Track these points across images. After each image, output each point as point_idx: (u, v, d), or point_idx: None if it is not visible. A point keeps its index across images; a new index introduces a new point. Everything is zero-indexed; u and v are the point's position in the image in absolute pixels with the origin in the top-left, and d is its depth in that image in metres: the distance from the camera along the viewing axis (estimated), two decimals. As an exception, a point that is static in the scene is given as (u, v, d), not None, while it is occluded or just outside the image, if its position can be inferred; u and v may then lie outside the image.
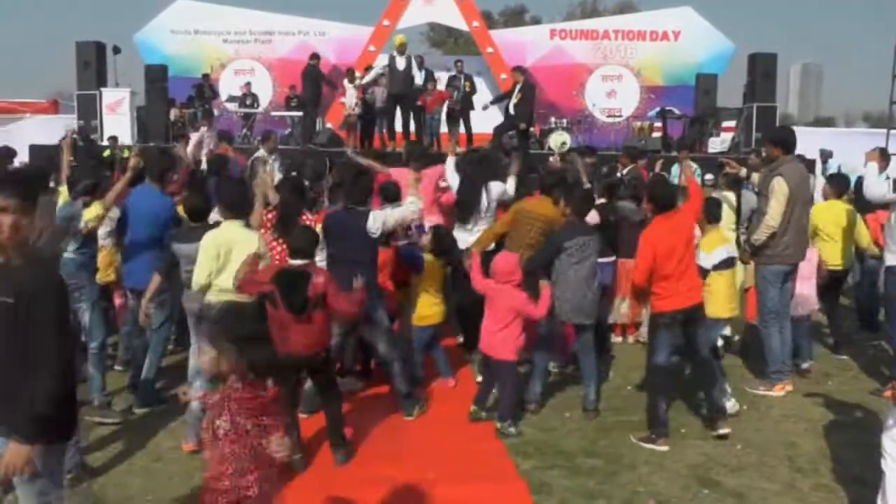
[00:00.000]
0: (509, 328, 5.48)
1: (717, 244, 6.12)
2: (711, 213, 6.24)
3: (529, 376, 6.12)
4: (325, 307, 4.84)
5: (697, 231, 6.02)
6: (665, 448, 5.33)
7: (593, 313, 6.02)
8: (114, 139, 14.90)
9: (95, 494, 4.59)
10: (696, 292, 5.50)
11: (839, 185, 7.93)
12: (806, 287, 6.99)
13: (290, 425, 5.02)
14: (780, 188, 6.25)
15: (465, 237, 7.04)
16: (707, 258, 5.96)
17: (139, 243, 6.13)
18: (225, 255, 5.11)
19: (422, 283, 6.45)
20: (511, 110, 13.58)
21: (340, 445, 5.12)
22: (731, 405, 5.94)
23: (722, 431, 5.52)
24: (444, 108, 15.13)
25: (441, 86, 15.60)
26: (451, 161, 7.63)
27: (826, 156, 11.52)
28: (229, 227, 5.25)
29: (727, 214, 7.57)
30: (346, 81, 15.37)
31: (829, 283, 7.52)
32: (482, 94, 17.94)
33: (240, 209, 5.36)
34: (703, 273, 5.84)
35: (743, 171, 7.43)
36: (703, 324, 5.64)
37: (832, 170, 12.15)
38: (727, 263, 6.16)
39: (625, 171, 9.72)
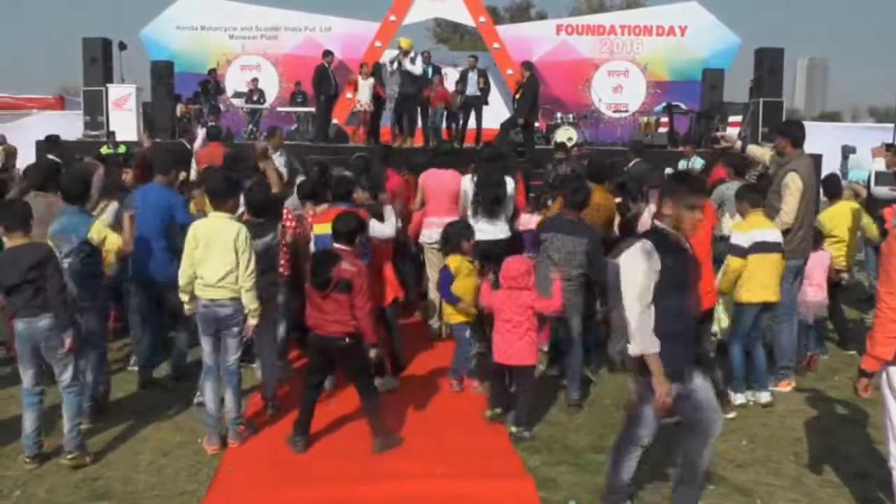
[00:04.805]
0: (530, 333, 5.43)
1: (754, 226, 6.09)
2: (753, 199, 6.25)
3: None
4: (349, 293, 4.91)
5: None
6: None
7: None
8: (112, 135, 14.73)
9: None
10: (711, 297, 5.75)
11: (832, 188, 8.02)
12: (820, 294, 7.01)
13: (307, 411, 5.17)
14: (794, 184, 6.23)
15: (493, 230, 7.09)
16: (744, 237, 6.01)
17: (148, 237, 6.05)
18: (205, 248, 4.99)
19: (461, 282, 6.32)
20: (515, 105, 13.68)
21: (379, 434, 5.17)
22: (765, 395, 6.12)
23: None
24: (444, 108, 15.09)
25: (453, 80, 15.61)
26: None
27: (848, 151, 11.08)
28: (213, 218, 5.17)
29: None
30: (359, 77, 15.29)
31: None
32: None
33: (225, 199, 5.17)
34: (743, 253, 5.94)
35: (738, 144, 7.40)
36: (709, 324, 6.06)
37: (850, 166, 11.77)
38: (762, 247, 6.04)
39: (630, 166, 9.73)
